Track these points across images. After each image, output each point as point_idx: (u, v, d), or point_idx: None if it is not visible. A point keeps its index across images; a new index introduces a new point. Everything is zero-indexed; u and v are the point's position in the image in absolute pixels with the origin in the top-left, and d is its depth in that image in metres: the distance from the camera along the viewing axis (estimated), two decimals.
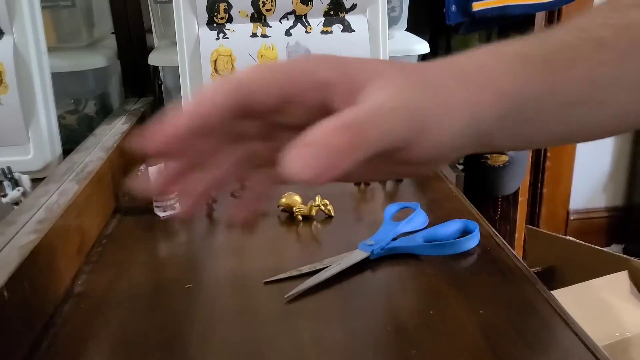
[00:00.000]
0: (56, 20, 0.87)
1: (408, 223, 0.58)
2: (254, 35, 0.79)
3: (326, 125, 0.26)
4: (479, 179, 1.54)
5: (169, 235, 0.62)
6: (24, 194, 0.59)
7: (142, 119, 0.84)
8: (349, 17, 0.80)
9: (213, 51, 0.78)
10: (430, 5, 1.34)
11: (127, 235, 0.61)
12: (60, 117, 0.80)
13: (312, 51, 0.79)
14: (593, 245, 1.27)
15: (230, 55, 0.78)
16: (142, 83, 0.92)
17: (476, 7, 1.25)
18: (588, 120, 0.34)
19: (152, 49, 0.92)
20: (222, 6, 0.77)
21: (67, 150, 0.72)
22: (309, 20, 0.79)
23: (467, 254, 0.54)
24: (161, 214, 0.65)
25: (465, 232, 0.56)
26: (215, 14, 0.78)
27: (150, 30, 0.92)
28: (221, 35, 0.78)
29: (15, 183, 0.59)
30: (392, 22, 0.97)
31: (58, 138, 0.74)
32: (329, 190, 0.70)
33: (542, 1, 1.29)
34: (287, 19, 0.79)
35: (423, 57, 1.39)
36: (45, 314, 0.46)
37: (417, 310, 0.46)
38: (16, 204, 0.59)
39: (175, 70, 0.82)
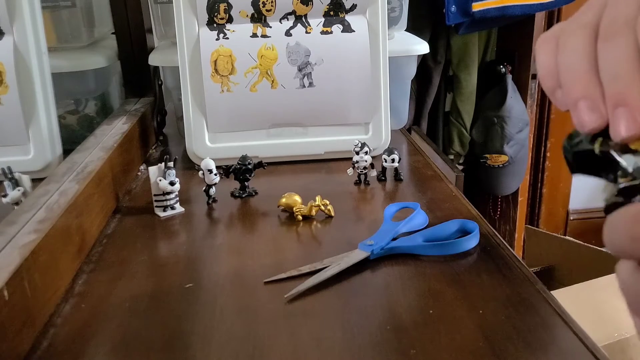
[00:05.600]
0: (56, 20, 0.87)
1: (408, 223, 0.59)
2: (254, 35, 0.79)
3: None
4: (479, 179, 1.54)
5: (169, 235, 0.62)
6: (24, 194, 0.59)
7: (142, 119, 0.85)
8: (349, 18, 0.80)
9: (213, 51, 0.78)
10: (430, 5, 1.34)
11: (128, 235, 0.61)
12: (60, 117, 0.80)
13: (312, 51, 0.79)
14: (592, 245, 1.27)
15: (230, 56, 0.78)
16: (142, 83, 0.92)
17: (476, 7, 1.25)
18: None
19: (152, 49, 0.92)
20: (222, 6, 0.77)
21: (67, 150, 0.72)
22: (309, 20, 0.79)
23: (467, 254, 0.54)
24: (161, 214, 0.65)
25: (465, 232, 0.56)
26: (216, 14, 0.78)
27: (150, 30, 0.92)
28: (221, 35, 0.78)
29: (16, 183, 0.59)
30: (392, 22, 0.97)
31: (58, 138, 0.74)
32: (329, 190, 0.70)
33: (542, 1, 1.30)
34: (287, 19, 0.79)
35: (423, 57, 1.39)
36: (45, 314, 0.46)
37: (416, 309, 0.46)
38: (16, 204, 0.59)
39: (175, 70, 0.82)
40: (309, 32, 0.79)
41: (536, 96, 1.57)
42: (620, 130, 0.23)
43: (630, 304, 0.24)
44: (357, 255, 0.53)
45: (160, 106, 0.97)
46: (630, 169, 0.23)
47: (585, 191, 1.91)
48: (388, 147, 0.74)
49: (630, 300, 0.23)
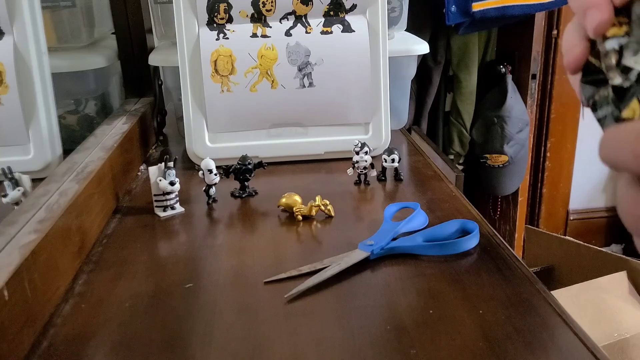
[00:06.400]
0: (56, 20, 0.87)
1: (408, 223, 0.59)
2: (254, 35, 0.79)
3: None
4: (479, 179, 1.54)
5: (169, 235, 0.62)
6: (24, 194, 0.59)
7: (142, 119, 0.85)
8: (349, 18, 0.80)
9: (213, 51, 0.78)
10: (430, 5, 1.34)
11: (128, 235, 0.61)
12: (60, 117, 0.80)
13: (312, 51, 0.79)
14: (592, 246, 1.27)
15: (230, 56, 0.78)
16: (142, 83, 0.92)
17: (476, 7, 1.25)
18: None
19: (152, 49, 0.92)
20: (222, 6, 0.77)
21: (67, 150, 0.72)
22: (309, 20, 0.79)
23: (467, 254, 0.54)
24: (161, 214, 0.65)
25: (465, 232, 0.56)
26: (216, 14, 0.78)
27: (150, 30, 0.92)
28: (221, 35, 0.78)
29: (16, 183, 0.59)
30: (392, 22, 0.97)
31: (58, 138, 0.74)
32: (329, 190, 0.70)
33: (542, 1, 1.30)
34: (287, 19, 0.79)
35: (423, 57, 1.39)
36: (45, 314, 0.46)
37: (416, 309, 0.46)
38: (17, 204, 0.59)
39: (175, 70, 0.82)
40: (309, 32, 0.79)
41: (536, 96, 1.57)
42: (591, 23, 0.27)
43: (626, 220, 0.25)
44: (357, 255, 0.53)
45: (160, 106, 0.97)
46: (616, 46, 0.26)
47: (585, 191, 1.91)
48: (388, 147, 0.74)
49: (625, 215, 0.24)
